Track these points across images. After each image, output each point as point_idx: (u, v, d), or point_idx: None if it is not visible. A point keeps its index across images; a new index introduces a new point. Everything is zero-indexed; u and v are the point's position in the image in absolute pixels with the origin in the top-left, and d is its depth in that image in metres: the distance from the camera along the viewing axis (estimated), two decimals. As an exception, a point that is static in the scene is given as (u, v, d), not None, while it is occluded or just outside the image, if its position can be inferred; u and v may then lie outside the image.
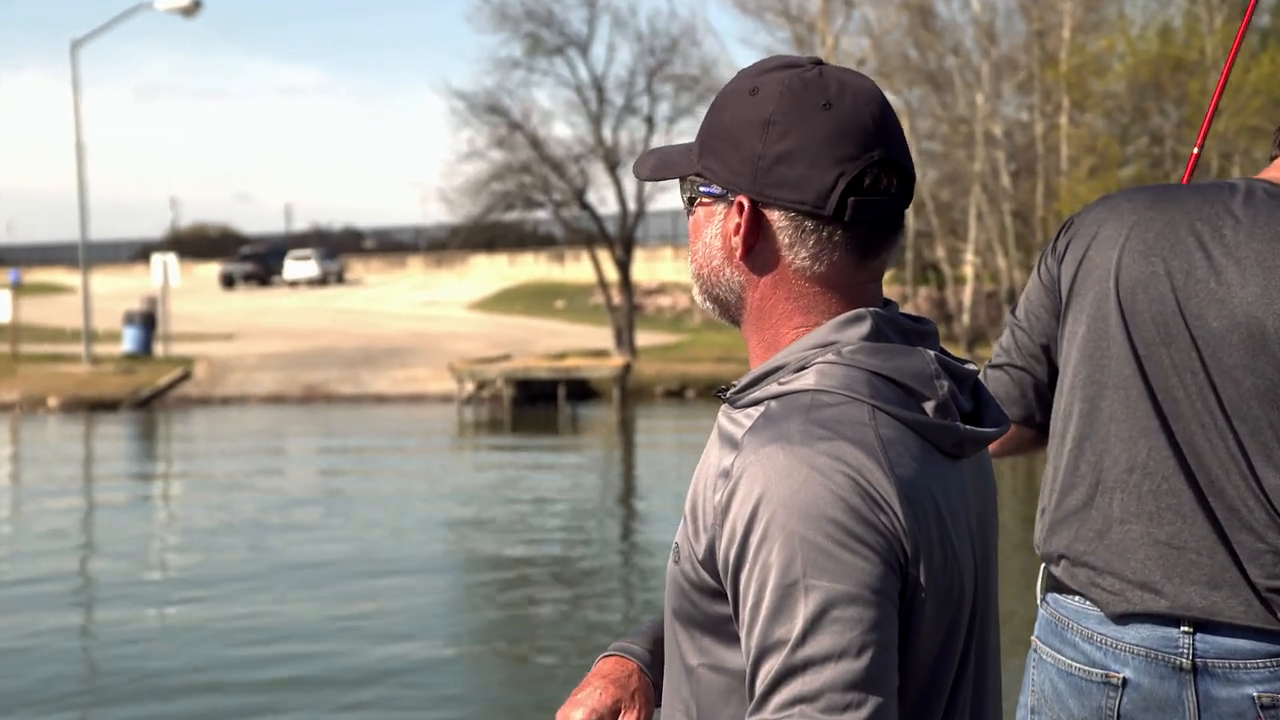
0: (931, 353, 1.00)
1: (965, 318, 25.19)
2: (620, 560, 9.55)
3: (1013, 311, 1.71)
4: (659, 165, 1.07)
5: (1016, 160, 24.03)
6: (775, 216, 0.99)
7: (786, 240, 0.99)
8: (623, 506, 12.18)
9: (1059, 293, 1.62)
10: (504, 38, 30.53)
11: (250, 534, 10.06)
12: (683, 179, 1.04)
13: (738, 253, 1.00)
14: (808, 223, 0.98)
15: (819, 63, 1.00)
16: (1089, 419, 1.58)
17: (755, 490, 0.92)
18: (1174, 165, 20.13)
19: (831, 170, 0.96)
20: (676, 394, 20.71)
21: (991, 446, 1.62)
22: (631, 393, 20.28)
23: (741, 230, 1.00)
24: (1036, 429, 1.70)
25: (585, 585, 8.49)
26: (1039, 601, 1.67)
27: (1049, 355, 1.66)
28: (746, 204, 0.99)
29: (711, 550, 0.96)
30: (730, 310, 1.05)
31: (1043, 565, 1.67)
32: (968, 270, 25.48)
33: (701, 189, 1.03)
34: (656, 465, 14.70)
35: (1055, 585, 1.63)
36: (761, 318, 1.02)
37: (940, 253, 25.97)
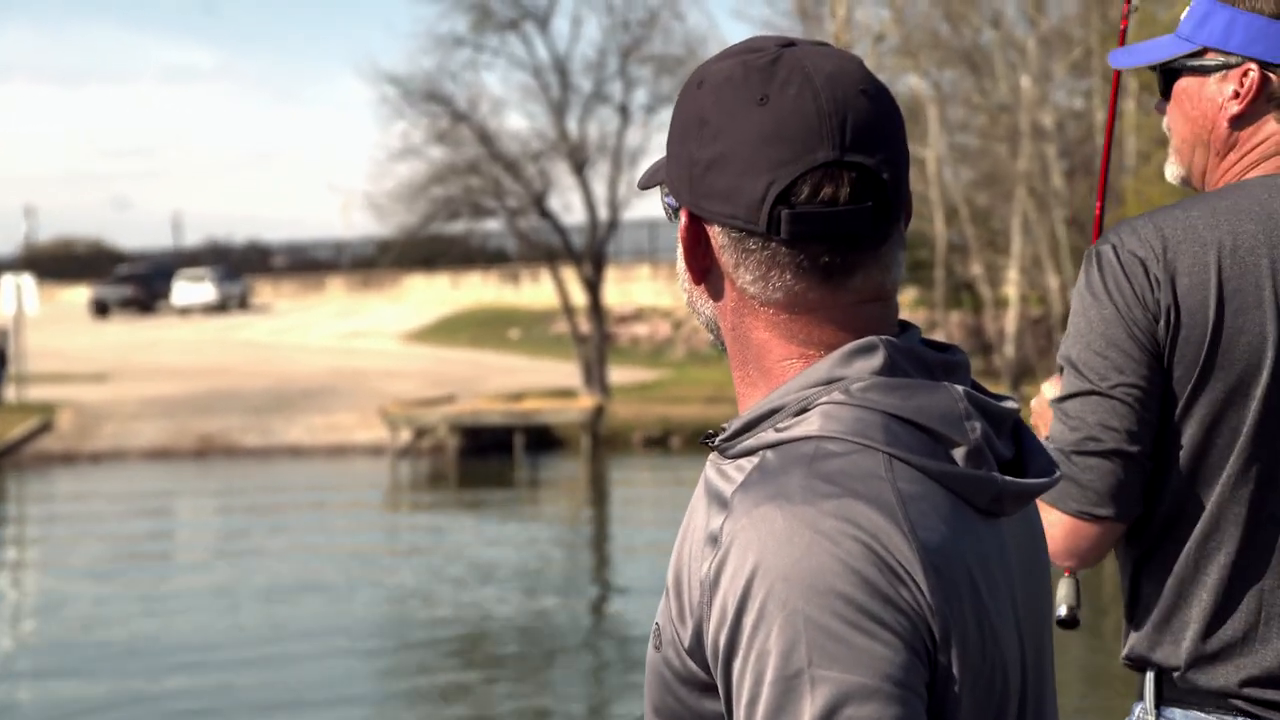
0: (960, 388, 1.00)
1: (1008, 349, 25.35)
2: (589, 651, 9.50)
3: (1090, 371, 1.61)
4: (653, 170, 1.09)
5: (1071, 157, 24.32)
6: (715, 233, 1.02)
7: (730, 260, 1.01)
8: (594, 583, 12.14)
9: (1164, 354, 1.59)
10: (444, 9, 30.74)
11: (122, 627, 9.94)
12: (662, 186, 1.08)
13: (689, 276, 1.04)
14: (749, 241, 0.99)
15: (789, 44, 1.02)
16: (1253, 531, 1.59)
17: (749, 560, 0.93)
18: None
19: (761, 178, 0.98)
20: (658, 442, 20.73)
21: (1082, 549, 1.60)
22: (604, 441, 20.29)
23: (681, 249, 1.03)
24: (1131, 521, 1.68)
25: (546, 682, 8.43)
26: (1150, 716, 1.66)
27: (1155, 431, 1.62)
28: (685, 219, 1.03)
29: (699, 634, 0.97)
30: (718, 339, 1.08)
31: (1150, 674, 1.66)
32: (1010, 291, 25.67)
33: (666, 199, 1.06)
34: (635, 530, 14.67)
35: (1186, 698, 1.62)
36: (740, 350, 1.04)
37: (977, 270, 26.16)
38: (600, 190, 24.51)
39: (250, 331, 35.35)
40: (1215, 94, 1.65)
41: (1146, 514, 1.64)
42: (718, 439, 1.04)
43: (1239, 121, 1.65)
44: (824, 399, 0.98)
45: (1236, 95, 1.64)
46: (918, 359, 1.01)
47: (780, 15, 25.95)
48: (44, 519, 15.82)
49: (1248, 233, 1.58)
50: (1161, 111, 1.74)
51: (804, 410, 0.99)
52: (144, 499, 16.74)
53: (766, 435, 1.00)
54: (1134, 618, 1.68)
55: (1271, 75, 1.63)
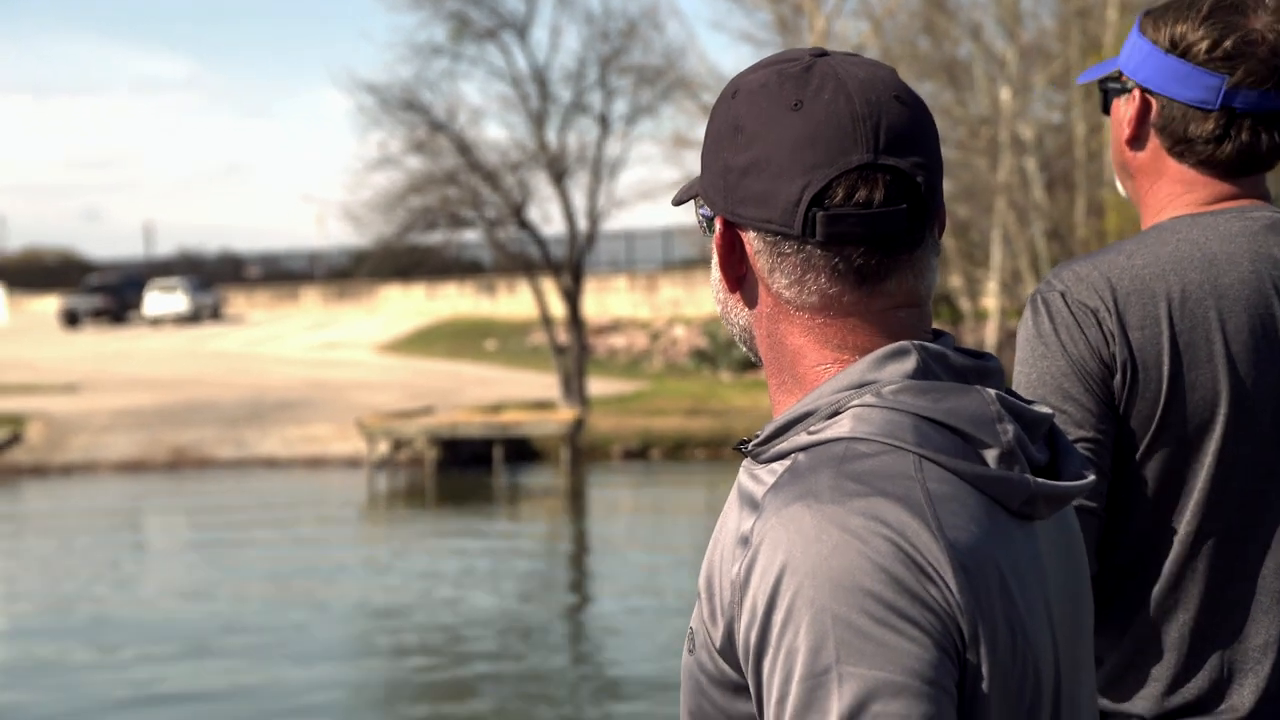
0: (992, 392, 1.01)
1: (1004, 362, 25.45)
2: (571, 671, 9.49)
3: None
4: (686, 185, 1.12)
5: (1050, 169, 24.47)
6: (751, 238, 1.03)
7: (765, 266, 1.03)
8: (575, 598, 12.11)
9: (1119, 408, 1.59)
10: (423, 18, 30.83)
11: (90, 647, 9.84)
12: (696, 199, 1.10)
13: (725, 284, 1.06)
14: (784, 245, 1.01)
15: (821, 54, 1.04)
16: (1215, 587, 1.60)
17: (777, 559, 0.94)
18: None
19: (796, 181, 0.99)
20: (638, 454, 20.71)
21: None
22: (583, 453, 20.26)
23: (720, 257, 1.05)
24: None
25: (528, 703, 8.41)
26: None
27: (1109, 485, 1.61)
28: (720, 226, 1.04)
29: (730, 635, 0.97)
30: (752, 349, 1.09)
31: None
32: (990, 304, 25.80)
33: (701, 211, 1.08)
34: (616, 544, 14.65)
35: None
36: (776, 357, 1.06)
37: (956, 282, 26.28)
38: (579, 201, 24.53)
39: (223, 342, 35.17)
40: (1121, 117, 1.69)
41: (1100, 570, 1.62)
42: (750, 444, 1.05)
43: (1134, 144, 1.68)
44: (856, 402, 1.00)
45: (1130, 120, 1.67)
46: (950, 364, 1.02)
47: (759, 27, 26.07)
48: (11, 533, 15.68)
49: (1193, 282, 1.59)
50: None
51: (836, 413, 1.00)
52: (115, 512, 16.62)
53: (799, 438, 1.01)
54: None
55: (1152, 101, 1.64)
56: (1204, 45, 1.59)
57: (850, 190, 1.00)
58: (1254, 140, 1.61)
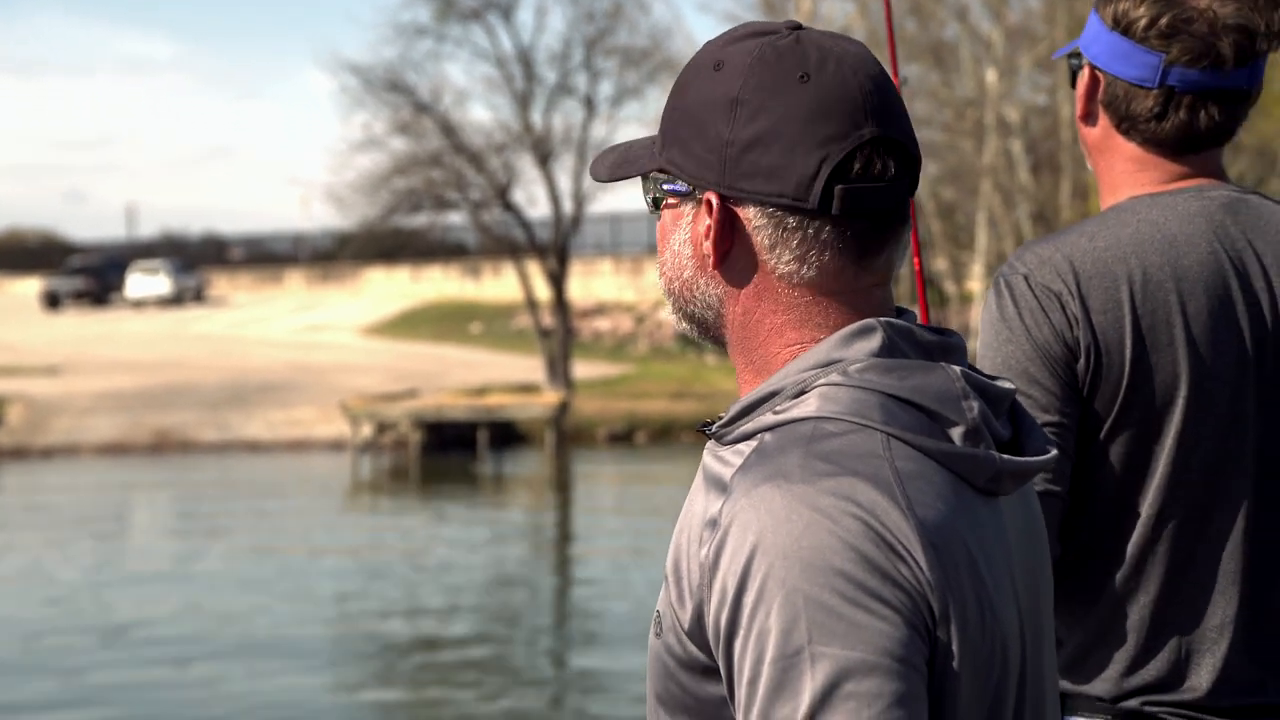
0: (957, 369, 1.02)
1: (972, 344, 25.50)
2: (554, 655, 9.51)
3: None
4: (619, 163, 1.10)
5: (1036, 151, 24.51)
6: (750, 214, 1.02)
7: (766, 241, 1.02)
8: (559, 582, 12.14)
9: (1082, 390, 1.59)
10: (406, -2, 30.65)
11: (71, 631, 9.83)
12: (645, 177, 1.07)
13: (711, 260, 1.04)
14: (790, 219, 1.00)
15: (797, 27, 1.03)
16: (1175, 571, 1.60)
17: (748, 539, 0.94)
18: (1232, 155, 20.39)
19: (813, 154, 0.99)
20: (623, 438, 20.74)
21: None
22: (568, 436, 20.27)
23: (712, 233, 1.03)
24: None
25: (509, 686, 8.44)
26: None
27: (1072, 468, 1.61)
28: (715, 201, 1.02)
29: (699, 617, 0.97)
30: (711, 330, 1.07)
31: (1096, 701, 1.67)
32: (974, 286, 25.88)
33: (665, 187, 1.06)
34: (601, 528, 14.69)
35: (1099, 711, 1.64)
36: (747, 336, 1.05)
37: (942, 265, 26.35)
38: (565, 183, 24.50)
39: (206, 325, 35.06)
40: (1077, 94, 1.70)
41: (1062, 553, 1.62)
42: (714, 426, 1.05)
43: (1085, 121, 1.69)
44: (821, 381, 1.00)
45: (1080, 96, 1.68)
46: (915, 341, 1.03)
47: (745, 9, 25.98)
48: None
49: (1154, 264, 1.58)
50: None
51: (802, 392, 1.00)
52: (96, 496, 16.57)
53: (765, 418, 1.01)
54: None
55: (1100, 77, 1.64)
56: (1142, 22, 1.59)
57: (866, 164, 1.00)
58: (1192, 118, 1.61)
